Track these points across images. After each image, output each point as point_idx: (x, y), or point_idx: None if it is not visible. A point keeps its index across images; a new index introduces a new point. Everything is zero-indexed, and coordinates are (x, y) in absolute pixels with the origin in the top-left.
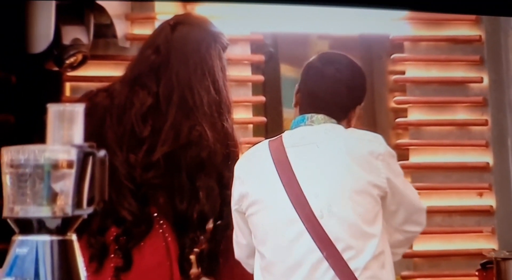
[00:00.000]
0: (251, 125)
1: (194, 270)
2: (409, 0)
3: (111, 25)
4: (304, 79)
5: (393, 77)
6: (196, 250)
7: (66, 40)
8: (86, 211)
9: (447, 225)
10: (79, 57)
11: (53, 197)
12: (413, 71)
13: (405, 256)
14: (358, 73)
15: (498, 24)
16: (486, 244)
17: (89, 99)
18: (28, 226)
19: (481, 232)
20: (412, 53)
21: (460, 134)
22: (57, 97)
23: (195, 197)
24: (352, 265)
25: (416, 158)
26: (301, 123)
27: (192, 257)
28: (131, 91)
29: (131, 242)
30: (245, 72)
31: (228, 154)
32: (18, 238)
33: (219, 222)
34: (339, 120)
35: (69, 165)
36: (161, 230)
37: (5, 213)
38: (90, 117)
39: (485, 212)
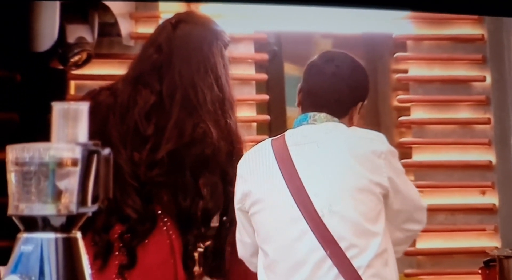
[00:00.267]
0: (254, 124)
1: (197, 268)
2: (411, 1)
3: (115, 24)
4: (306, 78)
5: (396, 76)
6: (200, 249)
7: (71, 38)
8: (90, 208)
9: (450, 223)
10: (84, 55)
11: (57, 195)
12: (416, 70)
13: (408, 254)
14: (359, 70)
15: (501, 23)
16: (489, 242)
17: (92, 98)
18: (33, 223)
19: (484, 230)
20: (415, 52)
21: (463, 132)
22: (62, 95)
23: (199, 194)
24: (355, 263)
25: (419, 156)
26: (303, 122)
27: (196, 254)
28: (134, 89)
29: (135, 240)
30: (249, 71)
31: (232, 151)
32: (23, 235)
33: (224, 218)
34: (340, 117)
35: (74, 163)
36: (165, 228)
37: (10, 211)
38: (93, 115)
39: (488, 210)
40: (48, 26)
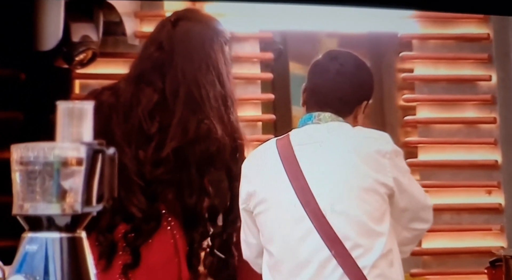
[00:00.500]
0: (260, 123)
1: (202, 268)
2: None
3: (120, 23)
4: (310, 77)
5: (402, 75)
6: (205, 247)
7: (76, 37)
8: (95, 208)
9: (456, 223)
10: (89, 54)
11: (62, 194)
12: (422, 69)
13: (414, 253)
14: (363, 69)
15: (507, 22)
16: (495, 242)
17: (94, 97)
18: (37, 223)
19: (490, 230)
20: (421, 51)
21: (468, 132)
22: (66, 94)
23: (205, 191)
24: (360, 263)
25: (424, 155)
26: (308, 121)
27: (202, 254)
28: (137, 88)
29: (140, 239)
30: (254, 70)
31: (236, 147)
32: (28, 235)
33: (230, 215)
34: (344, 116)
35: (79, 162)
36: (169, 227)
37: (15, 210)
38: (96, 115)
39: (494, 210)
40: (52, 25)
